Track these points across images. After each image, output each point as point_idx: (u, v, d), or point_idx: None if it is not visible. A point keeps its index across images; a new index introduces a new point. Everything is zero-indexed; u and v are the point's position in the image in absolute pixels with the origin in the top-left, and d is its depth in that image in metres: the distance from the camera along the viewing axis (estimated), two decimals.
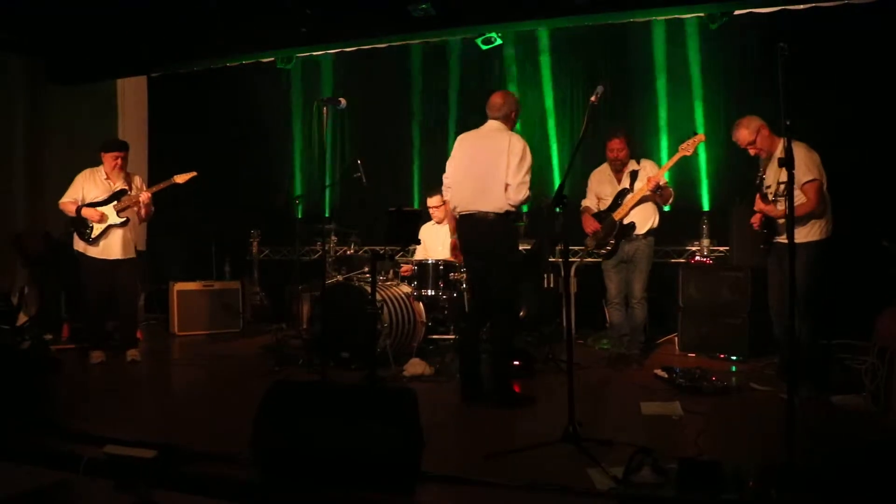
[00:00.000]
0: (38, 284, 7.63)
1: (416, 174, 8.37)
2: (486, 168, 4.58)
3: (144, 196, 5.89)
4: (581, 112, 7.58)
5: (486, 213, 4.56)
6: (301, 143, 8.86)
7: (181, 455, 3.41)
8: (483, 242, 4.64)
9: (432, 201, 6.71)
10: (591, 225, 5.82)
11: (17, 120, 7.78)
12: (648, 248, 5.69)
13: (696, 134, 5.49)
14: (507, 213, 4.58)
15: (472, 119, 7.91)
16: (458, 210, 4.76)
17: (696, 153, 5.44)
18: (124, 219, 5.92)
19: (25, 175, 7.80)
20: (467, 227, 4.71)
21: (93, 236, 5.86)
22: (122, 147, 6.00)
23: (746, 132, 4.88)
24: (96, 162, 6.02)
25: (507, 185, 4.52)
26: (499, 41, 7.64)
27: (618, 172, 5.80)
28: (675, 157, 5.51)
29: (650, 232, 5.69)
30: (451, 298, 6.20)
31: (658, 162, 6.25)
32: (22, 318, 6.96)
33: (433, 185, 6.48)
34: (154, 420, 4.46)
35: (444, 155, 5.02)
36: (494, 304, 4.69)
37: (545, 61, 7.81)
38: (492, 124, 4.76)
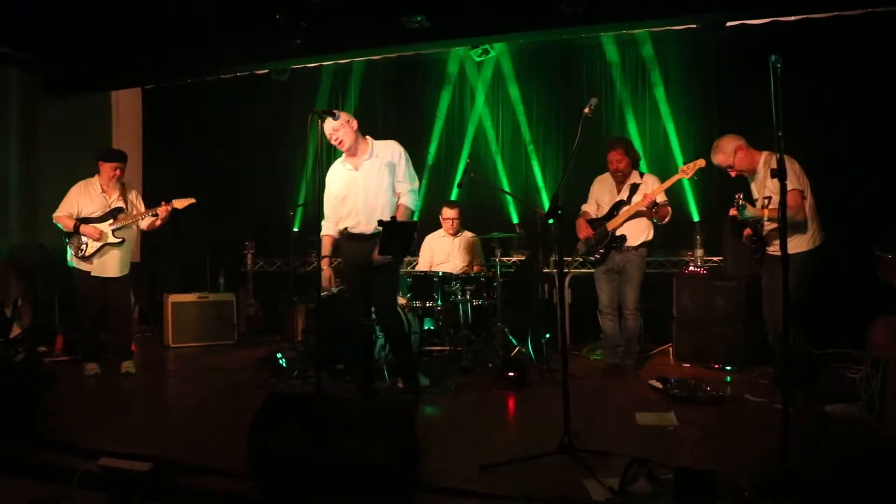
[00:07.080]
0: (31, 296, 7.60)
1: (423, 185, 8.32)
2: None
3: (163, 210, 5.88)
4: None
5: None
6: (296, 154, 8.84)
7: (176, 468, 3.40)
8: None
9: (450, 213, 6.74)
10: (584, 231, 5.84)
11: (11, 130, 7.77)
12: (640, 259, 5.68)
13: (697, 158, 5.46)
14: None
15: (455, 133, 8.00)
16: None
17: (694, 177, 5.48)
18: (120, 239, 5.91)
19: (19, 186, 7.78)
20: None
21: (87, 253, 5.85)
22: (122, 157, 5.98)
23: (724, 155, 4.91)
24: (90, 173, 6.01)
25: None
26: (493, 52, 7.71)
27: (619, 183, 5.80)
28: (674, 178, 5.52)
29: (643, 244, 5.70)
30: (447, 310, 6.20)
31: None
32: (15, 330, 6.95)
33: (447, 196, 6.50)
34: (149, 432, 4.44)
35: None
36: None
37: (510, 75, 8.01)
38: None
